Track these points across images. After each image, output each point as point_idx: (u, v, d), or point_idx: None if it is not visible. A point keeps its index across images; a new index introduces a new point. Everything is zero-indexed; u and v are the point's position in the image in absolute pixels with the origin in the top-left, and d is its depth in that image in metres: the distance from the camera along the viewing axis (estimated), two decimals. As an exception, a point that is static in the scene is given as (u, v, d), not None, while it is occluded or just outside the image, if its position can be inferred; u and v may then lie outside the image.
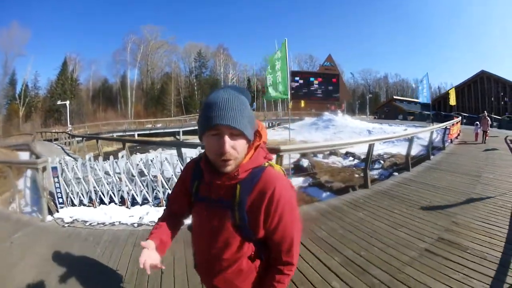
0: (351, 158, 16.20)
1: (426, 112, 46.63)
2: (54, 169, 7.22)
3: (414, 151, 12.87)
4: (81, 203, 7.64)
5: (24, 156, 22.58)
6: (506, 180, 7.59)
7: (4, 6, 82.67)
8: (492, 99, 51.16)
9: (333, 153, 16.67)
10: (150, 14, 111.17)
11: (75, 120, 53.53)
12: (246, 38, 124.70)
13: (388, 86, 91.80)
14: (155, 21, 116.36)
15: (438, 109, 46.62)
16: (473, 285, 3.02)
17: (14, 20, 67.10)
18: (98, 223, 5.94)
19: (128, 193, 7.62)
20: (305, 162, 14.29)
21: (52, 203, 6.86)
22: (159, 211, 5.56)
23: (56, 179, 7.21)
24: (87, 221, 6.03)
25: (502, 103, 50.03)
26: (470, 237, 4.17)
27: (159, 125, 54.73)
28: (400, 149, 14.08)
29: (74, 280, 3.63)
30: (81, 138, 26.03)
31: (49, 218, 6.21)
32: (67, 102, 51.79)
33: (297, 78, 71.22)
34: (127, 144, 11.95)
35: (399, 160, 13.59)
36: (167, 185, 7.41)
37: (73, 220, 6.16)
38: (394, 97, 69.00)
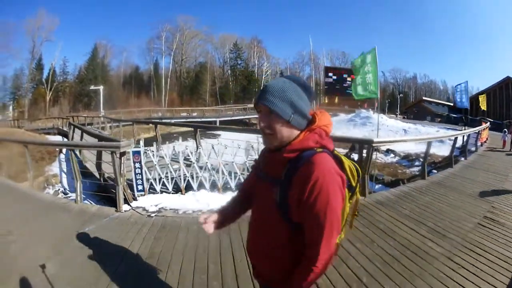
0: (392, 155, 17.40)
1: (453, 115, 47.71)
2: (137, 153, 6.91)
3: (447, 151, 14.34)
4: (161, 190, 7.47)
5: (55, 140, 22.31)
6: (530, 180, 9.30)
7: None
8: None
9: (375, 149, 17.91)
10: (183, 3, 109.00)
11: (106, 106, 53.19)
12: (278, 32, 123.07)
13: (417, 87, 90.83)
14: (188, 11, 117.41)
15: (464, 113, 47.49)
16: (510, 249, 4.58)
17: (42, 7, 67.58)
18: (194, 211, 5.95)
19: (208, 179, 7.72)
20: (355, 157, 15.43)
21: (128, 191, 6.54)
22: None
23: (137, 165, 6.95)
24: (178, 209, 6.03)
25: None
26: (505, 217, 5.87)
27: (194, 114, 54.23)
28: (434, 150, 14.91)
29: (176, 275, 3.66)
30: (117, 124, 26.76)
31: (125, 207, 6.09)
32: (101, 87, 52.26)
33: (330, 74, 72.55)
34: (198, 131, 11.86)
35: (434, 159, 15.04)
36: (240, 171, 7.81)
37: (159, 208, 6.10)
38: (423, 98, 68.83)
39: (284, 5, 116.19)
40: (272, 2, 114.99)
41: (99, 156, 8.84)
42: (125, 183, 6.49)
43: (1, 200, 6.90)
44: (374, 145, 7.24)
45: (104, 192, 7.96)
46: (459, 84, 30.45)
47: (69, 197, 9.02)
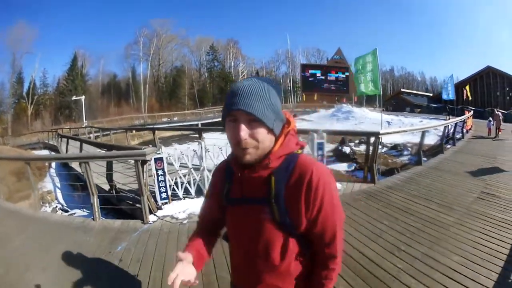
0: (380, 146, 18.12)
1: (434, 105, 48.69)
2: (159, 160, 6.62)
3: (433, 141, 15.23)
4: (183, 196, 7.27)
5: (43, 154, 21.83)
6: (516, 160, 10.33)
7: (9, 4, 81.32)
8: (498, 93, 52.49)
9: (363, 142, 18.11)
10: (156, 7, 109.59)
11: (87, 116, 52.54)
12: (252, 32, 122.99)
13: (394, 79, 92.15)
14: (162, 15, 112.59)
15: (444, 102, 48.31)
16: (509, 214, 5.39)
17: (21, 18, 66.90)
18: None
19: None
20: (347, 149, 16.47)
21: (152, 200, 6.40)
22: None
23: (160, 172, 6.66)
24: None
25: (508, 98, 51.36)
26: (499, 191, 6.78)
27: (175, 119, 54.47)
28: (413, 138, 16.37)
29: None
30: (107, 133, 27.02)
31: (151, 218, 5.93)
32: (83, 97, 51.60)
33: (307, 71, 72.95)
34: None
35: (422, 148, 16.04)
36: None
37: (188, 214, 6.08)
38: (402, 90, 69.71)
39: (259, 4, 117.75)
40: (247, 2, 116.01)
41: (109, 167, 8.36)
42: (149, 193, 6.41)
43: (6, 227, 6.01)
44: (380, 136, 8.15)
45: (114, 204, 7.81)
46: (448, 78, 31.67)
47: (74, 213, 8.51)
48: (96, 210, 6.14)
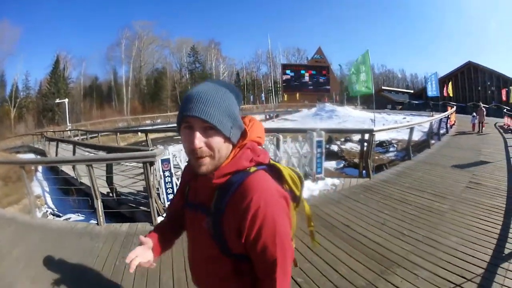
0: (365, 144, 18.60)
1: (415, 102, 49.48)
2: (166, 161, 6.57)
3: (419, 136, 15.72)
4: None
5: (28, 158, 20.62)
6: (499, 153, 11.04)
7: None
8: (479, 88, 53.76)
9: (348, 140, 18.74)
10: (137, 8, 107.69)
11: (70, 119, 52.02)
12: (232, 32, 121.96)
13: (375, 77, 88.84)
14: (143, 16, 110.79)
15: (426, 99, 48.89)
16: (495, 200, 5.97)
17: (2, 18, 64.31)
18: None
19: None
20: (334, 147, 16.91)
21: (159, 202, 6.34)
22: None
23: (167, 173, 6.58)
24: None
25: (489, 92, 52.48)
26: (486, 180, 7.36)
27: (158, 121, 54.43)
28: (404, 136, 16.32)
29: None
30: (95, 135, 26.50)
31: (160, 219, 5.64)
32: (66, 100, 50.88)
33: (288, 71, 73.87)
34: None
35: (405, 146, 16.54)
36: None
37: None
38: (382, 87, 70.86)
39: (237, 4, 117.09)
40: (226, 2, 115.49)
41: (110, 170, 8.08)
42: (156, 194, 6.34)
43: (1, 237, 5.61)
44: (374, 133, 8.71)
45: (113, 208, 7.66)
46: (431, 75, 32.33)
47: (69, 218, 8.11)
48: (101, 214, 5.97)
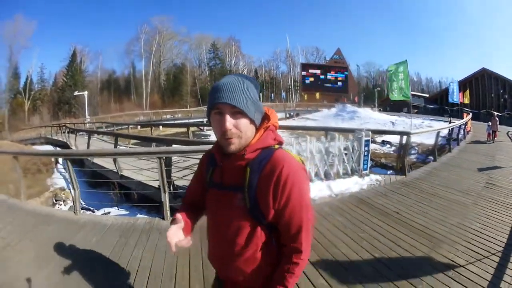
0: (388, 146, 19.78)
1: (430, 106, 49.41)
2: None
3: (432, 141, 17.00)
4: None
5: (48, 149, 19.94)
6: (511, 159, 12.41)
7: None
8: (492, 95, 53.93)
9: (372, 141, 20.03)
10: (154, 4, 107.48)
11: (88, 112, 52.67)
12: (252, 30, 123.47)
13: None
14: (163, 11, 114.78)
15: (440, 103, 48.83)
16: (510, 199, 7.03)
17: (19, 12, 66.18)
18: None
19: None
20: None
21: None
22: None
23: None
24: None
25: (502, 100, 52.58)
26: (501, 182, 8.69)
27: (179, 115, 54.81)
28: (423, 140, 17.93)
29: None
30: (125, 127, 27.44)
31: None
32: (85, 93, 51.32)
33: (308, 71, 74.37)
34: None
35: (424, 149, 17.86)
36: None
37: None
38: None
39: (258, 2, 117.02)
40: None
41: (168, 163, 7.64)
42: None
43: (50, 233, 5.26)
44: (411, 135, 10.15)
45: (145, 202, 8.02)
46: (450, 82, 33.28)
47: (108, 213, 8.10)
48: (167, 208, 5.89)
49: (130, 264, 4.10)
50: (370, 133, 9.47)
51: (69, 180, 6.76)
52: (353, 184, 8.17)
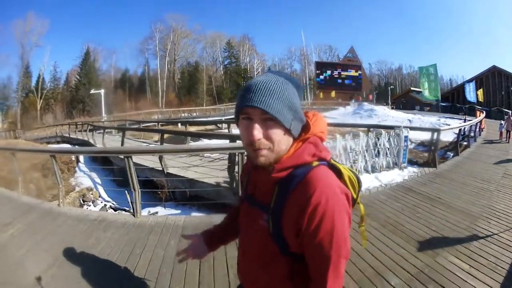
0: (409, 142, 20.66)
1: (442, 104, 48.93)
2: None
3: (450, 138, 17.74)
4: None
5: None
6: (524, 154, 13.98)
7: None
8: (503, 93, 54.33)
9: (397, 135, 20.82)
10: (170, 2, 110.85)
11: (105, 110, 53.24)
12: (264, 28, 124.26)
13: (402, 77, 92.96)
14: (175, 9, 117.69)
15: (451, 101, 49.27)
16: None
17: (31, 10, 66.74)
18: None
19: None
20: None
21: None
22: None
23: None
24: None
25: None
26: None
27: (195, 114, 54.97)
28: (440, 137, 18.98)
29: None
30: (153, 124, 27.30)
31: None
32: (102, 91, 52.08)
33: (322, 69, 75.05)
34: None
35: (442, 145, 18.52)
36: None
37: None
38: (411, 88, 69.96)
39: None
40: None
41: (233, 159, 7.75)
42: None
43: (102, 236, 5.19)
44: (441, 131, 11.78)
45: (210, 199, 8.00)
46: (465, 82, 34.45)
47: (156, 212, 7.67)
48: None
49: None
50: (408, 129, 10.80)
51: (130, 179, 6.17)
52: (396, 176, 9.42)
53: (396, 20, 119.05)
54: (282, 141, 1.14)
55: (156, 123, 30.41)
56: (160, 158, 9.22)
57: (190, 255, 1.68)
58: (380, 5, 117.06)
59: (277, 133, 1.12)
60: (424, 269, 4.08)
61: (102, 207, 9.22)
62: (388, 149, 10.23)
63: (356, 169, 8.94)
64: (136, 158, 9.29)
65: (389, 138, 10.31)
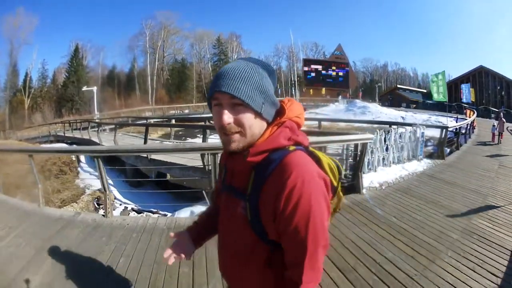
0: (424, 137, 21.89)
1: (429, 101, 51.03)
2: None
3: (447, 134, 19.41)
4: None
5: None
6: (514, 149, 15.91)
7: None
8: (489, 92, 56.67)
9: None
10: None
11: (92, 108, 53.12)
12: (251, 25, 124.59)
13: (388, 75, 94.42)
14: (164, 7, 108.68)
15: (440, 100, 49.93)
16: None
17: (20, 6, 63.83)
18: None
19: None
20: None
21: None
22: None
23: None
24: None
25: (499, 97, 55.34)
26: (510, 164, 12.09)
27: (186, 111, 55.09)
28: (433, 133, 18.74)
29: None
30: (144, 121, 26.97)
31: None
32: (95, 88, 51.81)
33: (310, 66, 76.51)
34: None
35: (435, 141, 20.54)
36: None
37: None
38: (398, 85, 71.98)
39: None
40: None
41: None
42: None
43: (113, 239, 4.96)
44: (449, 129, 13.62)
45: None
46: (465, 84, 35.83)
47: (177, 215, 7.02)
48: None
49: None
50: (425, 126, 12.45)
51: (100, 179, 6.24)
52: (417, 166, 10.60)
53: (381, 18, 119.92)
54: (254, 125, 1.14)
55: (167, 119, 31.22)
56: (202, 156, 7.95)
57: (177, 253, 1.54)
58: (366, 5, 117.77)
59: (247, 117, 1.12)
60: (467, 227, 5.47)
61: (123, 209, 8.68)
62: (409, 143, 11.40)
63: (388, 161, 10.16)
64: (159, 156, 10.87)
65: (409, 134, 11.47)
